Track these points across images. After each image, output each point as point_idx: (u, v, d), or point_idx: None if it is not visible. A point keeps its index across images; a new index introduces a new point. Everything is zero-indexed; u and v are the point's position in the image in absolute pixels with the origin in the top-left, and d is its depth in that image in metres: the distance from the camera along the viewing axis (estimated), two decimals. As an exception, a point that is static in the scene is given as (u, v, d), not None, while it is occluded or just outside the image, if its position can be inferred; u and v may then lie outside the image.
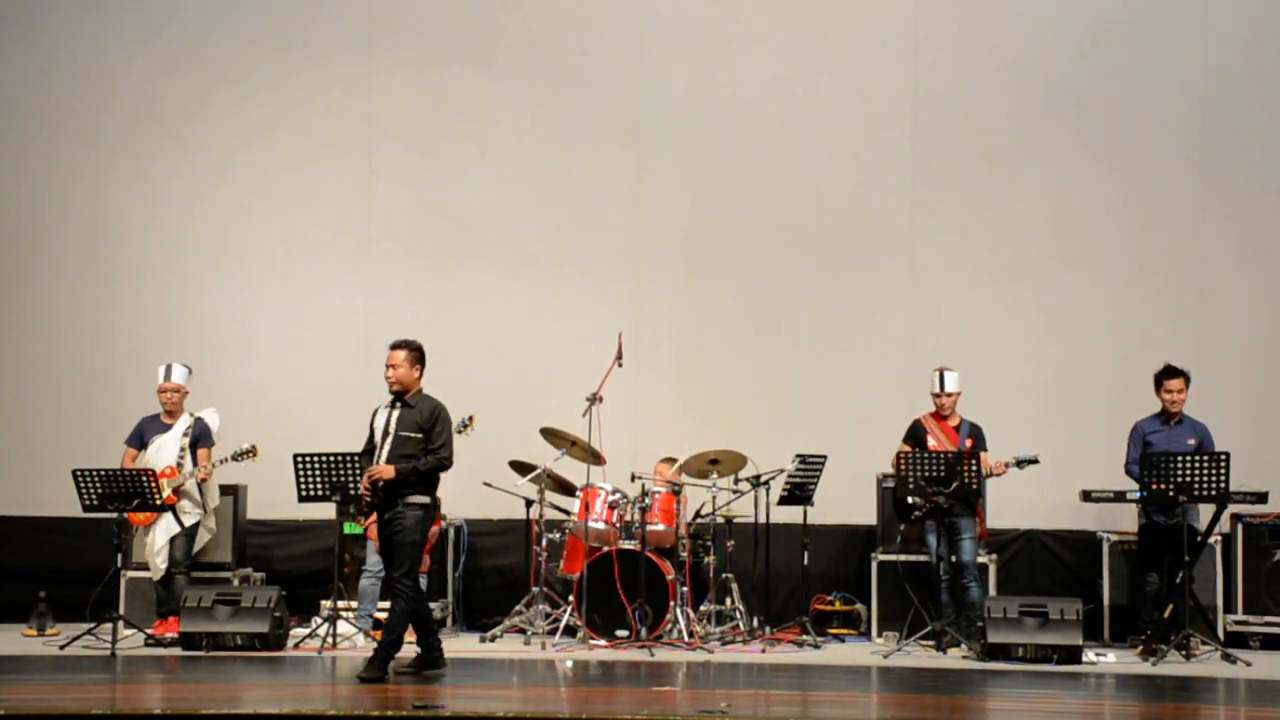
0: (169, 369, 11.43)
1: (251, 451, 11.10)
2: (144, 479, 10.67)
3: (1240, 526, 11.41)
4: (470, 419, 11.08)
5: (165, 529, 11.13)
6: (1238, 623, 11.34)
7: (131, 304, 13.04)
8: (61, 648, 10.60)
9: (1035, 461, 10.94)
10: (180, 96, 13.13)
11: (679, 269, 12.89)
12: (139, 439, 11.40)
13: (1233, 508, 10.93)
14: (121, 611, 11.06)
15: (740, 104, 12.90)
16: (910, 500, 10.90)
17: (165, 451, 11.27)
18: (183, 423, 11.35)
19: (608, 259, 12.89)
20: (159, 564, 11.13)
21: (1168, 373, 11.06)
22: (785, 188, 12.85)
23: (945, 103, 12.78)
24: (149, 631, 10.94)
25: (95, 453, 11.58)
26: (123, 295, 13.06)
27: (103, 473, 10.69)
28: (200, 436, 11.34)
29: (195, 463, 11.23)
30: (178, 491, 11.12)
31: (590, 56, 13.01)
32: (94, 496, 10.69)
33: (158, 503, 10.77)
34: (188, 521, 11.19)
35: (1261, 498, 10.70)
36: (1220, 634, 11.15)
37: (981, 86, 12.76)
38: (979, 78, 12.77)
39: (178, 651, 10.51)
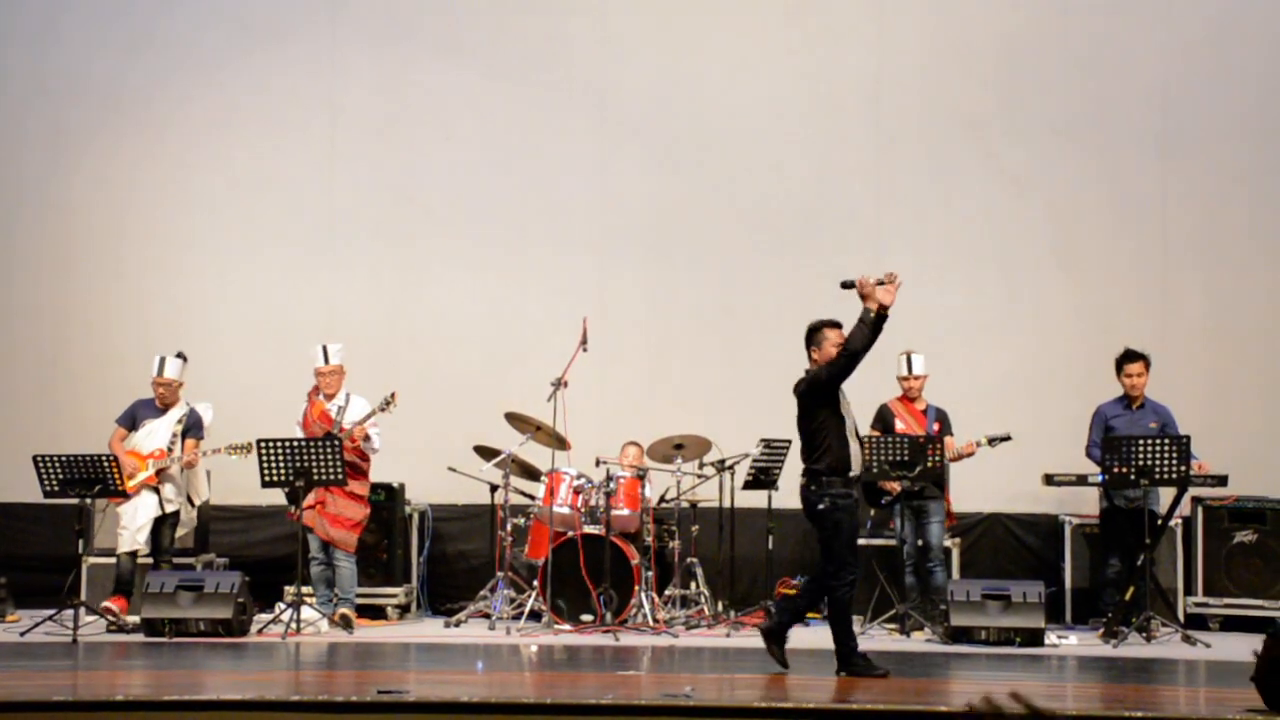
0: (161, 363, 11.32)
1: (246, 448, 11.04)
2: (105, 464, 10.61)
3: (1200, 509, 11.49)
4: (392, 395, 11.06)
5: (149, 507, 11.12)
6: (1198, 605, 11.43)
7: (91, 290, 12.96)
8: (22, 634, 10.53)
9: (1008, 439, 11.00)
10: (139, 80, 13.03)
11: (644, 253, 12.89)
12: (131, 420, 11.35)
13: (1193, 491, 11.00)
14: (83, 597, 11.00)
15: (705, 89, 12.89)
16: (879, 485, 10.96)
17: (157, 436, 11.26)
18: (178, 410, 11.35)
19: (572, 244, 12.87)
20: (139, 539, 11.10)
21: (1128, 356, 11.13)
22: (750, 173, 12.85)
23: (909, 88, 12.80)
24: (103, 606, 10.90)
25: (56, 438, 11.51)
26: (82, 281, 12.97)
27: (63, 458, 10.61)
28: (192, 427, 11.34)
29: (182, 451, 11.22)
30: (162, 474, 11.13)
31: (555, 41, 12.98)
32: (55, 482, 10.61)
33: (120, 488, 10.72)
34: (168, 508, 11.19)
35: (1221, 481, 10.79)
36: (1180, 616, 11.23)
37: (945, 72, 12.79)
38: (943, 63, 12.80)
39: (140, 638, 10.45)
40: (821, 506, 8.78)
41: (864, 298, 8.69)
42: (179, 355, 11.40)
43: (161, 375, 11.30)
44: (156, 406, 11.36)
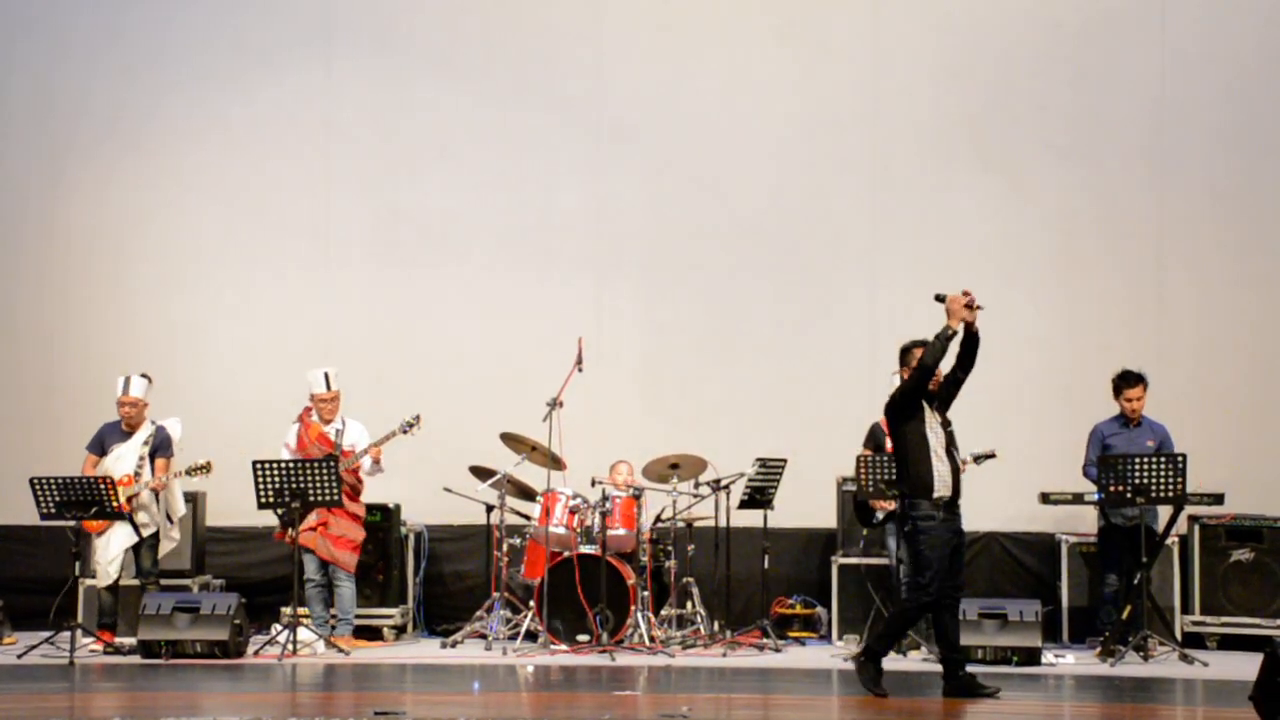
0: (126, 382, 11.22)
1: (205, 468, 10.98)
2: (102, 486, 10.58)
3: (1197, 528, 11.47)
4: (416, 418, 11.08)
5: (122, 538, 11.03)
6: (1195, 623, 11.42)
7: (89, 311, 12.96)
8: (19, 657, 10.51)
9: (992, 456, 10.96)
10: (136, 102, 13.06)
11: (639, 273, 12.90)
12: (100, 446, 11.25)
13: (1190, 509, 11.00)
14: (79, 620, 10.98)
15: (700, 107, 12.91)
16: (871, 504, 10.94)
17: (124, 460, 11.13)
18: (144, 431, 11.23)
19: (567, 262, 12.88)
20: (111, 572, 11.01)
21: (1127, 380, 11.11)
22: (745, 192, 12.87)
23: (904, 107, 12.83)
24: (95, 638, 10.86)
25: (52, 461, 11.47)
26: (80, 302, 12.97)
27: (60, 480, 10.59)
28: (160, 446, 11.22)
29: (153, 472, 11.15)
30: (132, 501, 11.00)
31: (549, 60, 13.00)
32: (52, 504, 10.59)
33: (116, 510, 10.69)
34: (145, 532, 11.08)
35: (1218, 499, 10.79)
36: (1178, 634, 11.20)
37: (940, 91, 12.81)
38: (937, 82, 12.82)
39: (136, 660, 10.43)
40: (907, 528, 8.96)
41: (948, 314, 8.89)
42: (143, 375, 11.29)
43: (127, 394, 11.19)
44: (122, 430, 11.25)
